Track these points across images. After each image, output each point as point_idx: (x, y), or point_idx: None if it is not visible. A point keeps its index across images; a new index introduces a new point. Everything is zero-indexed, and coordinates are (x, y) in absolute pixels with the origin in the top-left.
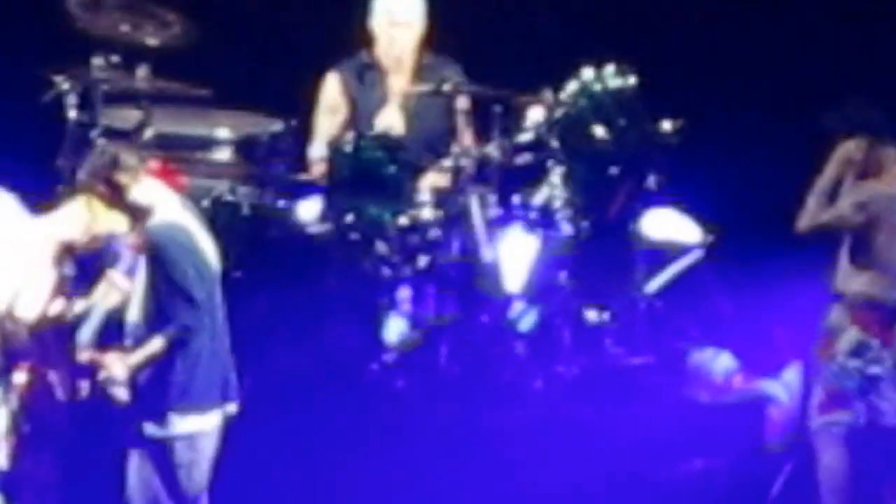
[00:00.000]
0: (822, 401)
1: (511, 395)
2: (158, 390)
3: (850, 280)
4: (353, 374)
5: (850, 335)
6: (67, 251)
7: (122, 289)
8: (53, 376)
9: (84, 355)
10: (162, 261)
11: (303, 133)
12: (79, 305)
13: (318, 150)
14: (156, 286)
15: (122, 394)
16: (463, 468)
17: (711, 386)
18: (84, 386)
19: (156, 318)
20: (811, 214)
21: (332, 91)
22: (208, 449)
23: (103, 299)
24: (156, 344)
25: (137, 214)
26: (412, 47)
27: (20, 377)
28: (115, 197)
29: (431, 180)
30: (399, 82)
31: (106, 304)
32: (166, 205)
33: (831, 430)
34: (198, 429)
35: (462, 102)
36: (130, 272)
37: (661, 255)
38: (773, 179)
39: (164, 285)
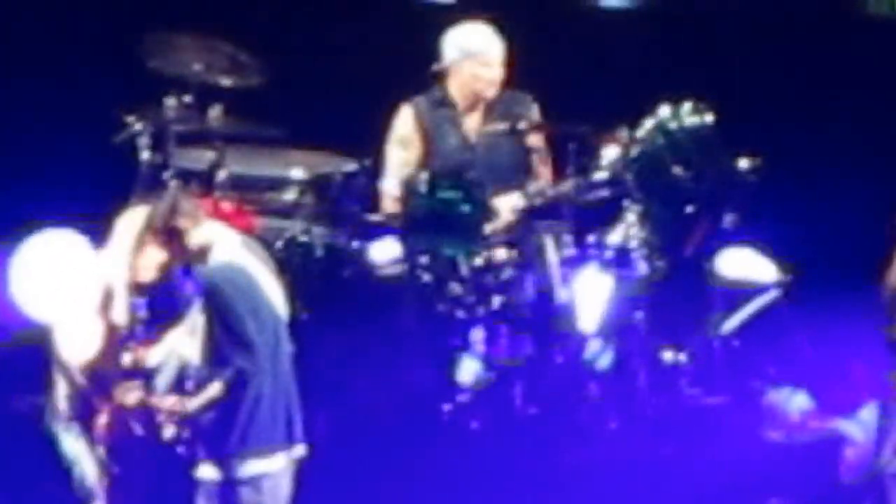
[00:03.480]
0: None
1: (586, 436)
2: (220, 433)
3: None
4: (426, 414)
5: None
6: (134, 289)
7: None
8: (130, 415)
9: (132, 397)
10: (216, 304)
11: (376, 173)
12: (155, 356)
13: (389, 184)
14: (212, 328)
15: (176, 436)
16: None
17: (787, 425)
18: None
19: (213, 359)
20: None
21: (404, 124)
22: (275, 490)
23: (180, 348)
24: (213, 389)
25: (194, 257)
26: (497, 86)
27: (102, 418)
28: (174, 241)
29: (505, 219)
30: (473, 119)
31: (183, 354)
32: (225, 246)
33: None
34: (261, 471)
35: (536, 139)
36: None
37: (738, 294)
38: (850, 218)
39: (219, 328)
